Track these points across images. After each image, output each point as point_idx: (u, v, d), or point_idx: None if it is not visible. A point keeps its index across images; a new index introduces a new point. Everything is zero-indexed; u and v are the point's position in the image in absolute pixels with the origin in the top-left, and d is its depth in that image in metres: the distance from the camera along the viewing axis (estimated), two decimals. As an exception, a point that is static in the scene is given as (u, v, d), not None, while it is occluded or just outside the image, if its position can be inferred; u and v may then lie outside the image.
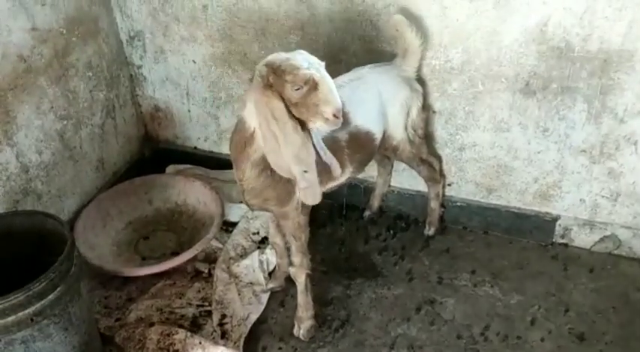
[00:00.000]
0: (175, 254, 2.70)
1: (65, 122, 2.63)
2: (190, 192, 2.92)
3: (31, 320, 1.79)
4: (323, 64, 1.72)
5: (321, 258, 2.65)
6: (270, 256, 2.64)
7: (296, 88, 1.67)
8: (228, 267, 2.61)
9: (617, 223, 2.53)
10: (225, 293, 2.48)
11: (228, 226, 2.83)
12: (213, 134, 3.11)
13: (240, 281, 2.55)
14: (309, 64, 1.68)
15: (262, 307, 2.43)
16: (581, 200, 2.53)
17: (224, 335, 2.32)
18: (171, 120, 3.15)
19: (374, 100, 2.20)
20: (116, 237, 2.77)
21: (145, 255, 2.75)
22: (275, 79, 1.69)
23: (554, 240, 2.67)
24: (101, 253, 2.61)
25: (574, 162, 2.44)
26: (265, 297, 2.47)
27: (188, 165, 3.17)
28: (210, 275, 2.61)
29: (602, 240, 2.59)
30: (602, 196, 2.49)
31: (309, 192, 1.83)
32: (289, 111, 1.71)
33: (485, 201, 2.70)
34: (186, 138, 3.19)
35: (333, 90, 1.68)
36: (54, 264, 1.82)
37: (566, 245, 2.67)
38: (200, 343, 2.22)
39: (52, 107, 2.54)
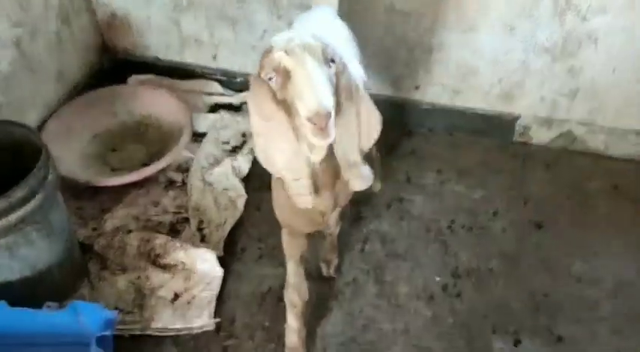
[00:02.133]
0: (146, 165, 2.71)
1: (20, 30, 2.50)
2: (156, 103, 2.87)
3: (14, 225, 1.79)
4: (316, 45, 1.26)
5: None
6: (243, 163, 2.68)
7: (267, 76, 1.28)
8: (202, 176, 2.63)
9: (574, 119, 2.66)
10: (201, 200, 2.52)
11: (197, 136, 2.82)
12: (175, 42, 3.02)
13: (215, 188, 2.58)
14: (288, 42, 1.25)
15: (239, 212, 2.49)
16: (541, 98, 2.63)
17: (203, 239, 2.38)
18: (130, 29, 3.03)
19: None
20: (83, 150, 2.73)
21: (114, 167, 2.73)
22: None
23: (514, 139, 2.79)
24: (69, 166, 2.56)
25: (537, 61, 2.52)
26: (242, 202, 2.52)
27: (151, 76, 3.10)
28: (183, 183, 2.63)
29: (558, 136, 2.73)
30: (562, 94, 2.60)
31: (301, 199, 1.44)
32: (282, 110, 1.30)
33: (451, 104, 2.77)
34: (147, 48, 3.10)
35: (314, 83, 1.19)
36: (31, 172, 1.81)
37: (525, 143, 2.81)
38: (181, 246, 2.28)
39: (7, 14, 2.40)
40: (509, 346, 2.04)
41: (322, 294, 2.19)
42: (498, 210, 2.51)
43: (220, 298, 2.18)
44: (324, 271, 2.23)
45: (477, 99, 2.72)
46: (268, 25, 2.79)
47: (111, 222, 2.44)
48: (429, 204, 2.54)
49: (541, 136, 2.76)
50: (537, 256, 2.33)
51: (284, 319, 2.09)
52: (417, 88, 2.77)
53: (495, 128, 2.78)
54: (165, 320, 2.10)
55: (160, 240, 2.31)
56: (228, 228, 2.42)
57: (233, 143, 2.82)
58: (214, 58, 3.03)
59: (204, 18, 2.87)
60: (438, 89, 2.75)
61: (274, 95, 1.29)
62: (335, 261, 2.23)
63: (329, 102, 1.19)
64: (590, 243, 2.37)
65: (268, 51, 1.29)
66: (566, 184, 2.61)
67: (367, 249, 2.36)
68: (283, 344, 2.04)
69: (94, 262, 2.30)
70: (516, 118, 2.72)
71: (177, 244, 2.29)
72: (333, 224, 2.08)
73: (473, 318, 2.13)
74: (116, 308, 2.12)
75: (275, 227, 2.38)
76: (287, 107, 1.28)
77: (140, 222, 2.45)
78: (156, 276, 2.21)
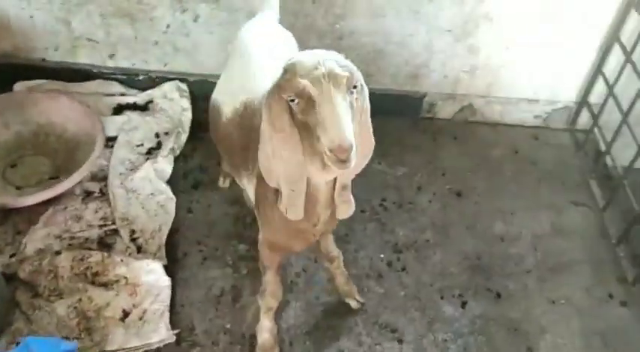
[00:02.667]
0: (55, 178, 2.50)
1: None
2: (54, 109, 2.63)
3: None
4: (342, 76, 1.20)
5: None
6: (164, 165, 2.57)
7: (290, 97, 1.24)
8: (122, 183, 2.48)
9: (473, 94, 2.89)
10: (128, 209, 2.39)
11: (106, 141, 2.64)
12: (65, 42, 2.78)
13: (140, 194, 2.45)
14: (313, 69, 1.19)
15: (171, 216, 2.39)
16: (445, 76, 2.82)
17: (140, 249, 2.27)
18: (9, 29, 2.74)
19: None
20: (-24, 170, 2.45)
21: (18, 184, 2.48)
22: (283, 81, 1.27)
23: (422, 115, 2.97)
24: (-35, 189, 2.31)
25: (440, 42, 2.69)
26: (172, 206, 2.43)
27: (40, 81, 2.83)
28: (102, 194, 2.47)
29: (460, 110, 2.95)
30: (463, 71, 2.80)
31: (291, 209, 1.44)
32: (296, 126, 1.29)
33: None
34: (31, 50, 2.82)
35: (339, 117, 1.17)
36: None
37: (431, 118, 2.99)
38: (122, 260, 2.15)
39: None
40: (458, 308, 2.21)
41: (277, 288, 2.20)
42: (421, 184, 2.66)
43: (173, 308, 2.10)
44: (353, 305, 2.14)
45: (387, 80, 2.85)
46: (171, 19, 2.67)
47: (31, 245, 2.23)
48: (357, 186, 2.59)
49: (445, 111, 2.96)
50: (463, 222, 2.52)
51: (244, 319, 2.09)
52: (329, 74, 2.82)
53: (405, 107, 2.93)
54: (120, 341, 1.98)
55: (96, 257, 2.17)
56: (164, 234, 2.32)
57: (147, 145, 2.69)
58: (111, 57, 2.84)
59: (98, 16, 2.67)
60: (350, 74, 2.82)
61: (291, 114, 1.27)
62: (354, 289, 2.15)
63: (351, 135, 1.18)
64: (505, 205, 2.61)
65: (291, 73, 1.23)
66: (474, 153, 2.83)
67: (310, 237, 2.40)
68: (251, 344, 2.03)
69: (22, 291, 2.09)
70: (423, 96, 2.89)
71: (117, 259, 2.15)
72: (333, 248, 2.04)
73: (421, 288, 2.26)
74: (67, 338, 1.96)
75: (213, 227, 2.37)
76: (305, 126, 1.25)
77: (64, 240, 2.27)
78: (99, 296, 2.07)
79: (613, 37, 2.58)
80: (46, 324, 2.00)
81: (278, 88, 1.26)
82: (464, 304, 2.22)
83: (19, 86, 2.80)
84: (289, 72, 1.23)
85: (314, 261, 2.31)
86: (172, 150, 2.64)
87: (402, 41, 2.69)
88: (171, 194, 2.46)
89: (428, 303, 2.22)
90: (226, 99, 1.76)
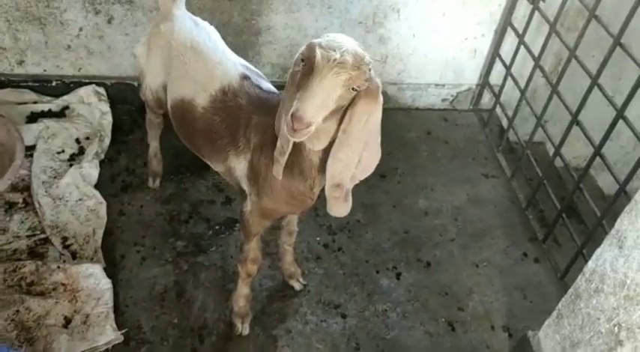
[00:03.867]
0: (-28, 192, 2.38)
1: None
2: (-37, 121, 2.50)
3: None
4: (344, 71, 1.28)
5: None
6: (90, 169, 2.51)
7: (302, 58, 1.34)
8: (46, 191, 2.40)
9: (386, 81, 3.05)
10: (57, 217, 2.32)
11: (25, 150, 2.54)
12: (-29, 50, 2.65)
13: (67, 201, 2.39)
14: (335, 49, 1.29)
15: (104, 220, 2.36)
16: (359, 66, 2.96)
17: (75, 255, 2.22)
18: None
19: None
20: None
21: None
22: None
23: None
24: None
25: (352, 33, 2.82)
26: (103, 210, 2.39)
27: (-56, 92, 2.67)
28: (26, 204, 2.38)
29: (375, 98, 3.10)
30: (375, 60, 2.93)
31: (276, 166, 1.58)
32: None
33: (281, 80, 2.94)
34: None
35: (316, 95, 1.28)
36: None
37: (349, 108, 3.12)
38: (58, 267, 2.10)
39: None
40: (394, 280, 2.35)
41: (218, 280, 2.24)
42: (346, 170, 2.78)
43: (117, 309, 2.08)
44: (297, 286, 2.23)
45: (305, 73, 2.93)
46: (84, 22, 2.62)
47: (-45, 262, 2.11)
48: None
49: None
50: (389, 201, 2.67)
51: (191, 312, 2.11)
52: (248, 70, 2.88)
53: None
54: (65, 347, 1.94)
55: (29, 266, 2.10)
56: (99, 237, 2.29)
57: (69, 151, 2.61)
58: (20, 63, 2.73)
59: (4, 21, 2.56)
60: (268, 69, 2.90)
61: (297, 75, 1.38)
62: (299, 271, 2.25)
63: (314, 117, 1.28)
64: (425, 182, 2.79)
65: (317, 42, 1.32)
66: (391, 137, 2.99)
67: (247, 227, 2.45)
68: (199, 336, 2.05)
69: (-48, 310, 1.98)
70: (340, 86, 3.01)
71: (53, 266, 2.10)
72: (295, 222, 2.10)
73: (357, 265, 2.38)
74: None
75: (148, 227, 2.37)
76: (297, 86, 1.36)
77: (-10, 254, 2.17)
78: (38, 305, 2.01)
79: (506, 21, 2.82)
80: (-17, 340, 1.91)
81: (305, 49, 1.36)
82: (398, 275, 2.36)
83: None
84: (316, 41, 1.33)
85: (253, 250, 2.35)
86: (97, 154, 2.58)
87: (316, 34, 2.79)
88: (100, 198, 2.42)
89: (365, 278, 2.34)
90: (197, 92, 1.83)
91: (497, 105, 3.00)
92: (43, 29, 2.61)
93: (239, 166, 1.78)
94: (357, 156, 1.47)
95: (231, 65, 1.85)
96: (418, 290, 2.32)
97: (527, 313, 2.31)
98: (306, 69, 1.32)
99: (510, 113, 2.84)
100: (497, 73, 3.03)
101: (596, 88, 2.18)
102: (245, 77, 1.81)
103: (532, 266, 2.50)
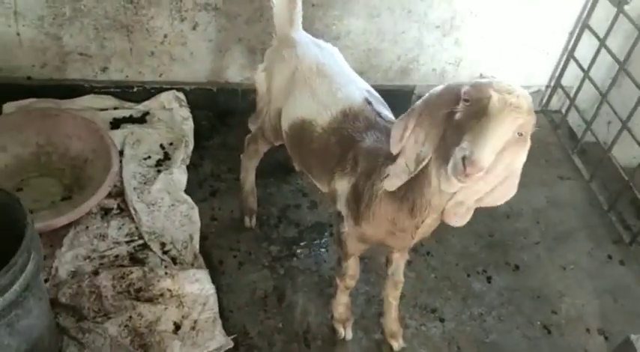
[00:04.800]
0: (67, 198, 2.41)
1: None
2: (53, 128, 2.52)
3: (19, 295, 1.52)
4: (519, 117, 1.26)
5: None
6: (179, 175, 2.53)
7: (466, 98, 1.29)
8: (139, 197, 2.42)
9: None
10: (153, 223, 2.34)
11: (115, 156, 2.56)
12: (54, 58, 2.67)
13: (161, 206, 2.41)
14: (512, 93, 1.26)
15: (198, 225, 2.37)
16: (433, 69, 2.96)
17: (175, 261, 2.24)
18: (-7, 49, 2.59)
19: None
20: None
21: (30, 208, 2.33)
22: None
23: (411, 108, 3.09)
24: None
25: (430, 37, 2.82)
26: (195, 215, 2.40)
27: (31, 99, 2.69)
28: (121, 210, 2.40)
29: (446, 100, 3.09)
30: (449, 63, 2.95)
31: (390, 179, 1.54)
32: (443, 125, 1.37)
33: (356, 84, 2.95)
34: (15, 68, 2.67)
35: (492, 143, 1.24)
36: (24, 235, 1.54)
37: (419, 110, 3.12)
38: (166, 273, 2.12)
39: None
40: (485, 283, 2.35)
41: (315, 284, 2.25)
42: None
43: (222, 314, 2.10)
44: (396, 347, 2.08)
45: (379, 76, 2.94)
46: (169, 29, 2.63)
47: (62, 268, 2.14)
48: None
49: (431, 102, 3.09)
50: (470, 204, 2.66)
51: (294, 317, 2.12)
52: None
53: (395, 100, 3.01)
54: (179, 353, 1.96)
55: (137, 273, 2.12)
56: (197, 243, 2.30)
57: (155, 157, 2.63)
58: (104, 70, 2.75)
59: (92, 29, 2.58)
60: (344, 73, 2.89)
61: (449, 113, 1.33)
62: (401, 331, 2.09)
63: (488, 163, 1.24)
64: (503, 185, 2.78)
65: (486, 83, 1.29)
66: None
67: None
68: (305, 340, 2.07)
69: (65, 316, 2.01)
70: (413, 89, 3.01)
71: (162, 272, 2.12)
72: (401, 272, 2.01)
73: (448, 269, 2.38)
74: (118, 357, 1.91)
75: (241, 233, 2.37)
76: (456, 129, 1.31)
77: (94, 260, 2.20)
78: (149, 312, 2.03)
79: (584, 23, 2.80)
80: (100, 346, 1.94)
81: (462, 87, 1.32)
82: (489, 279, 2.37)
83: (9, 107, 2.65)
84: (484, 82, 1.30)
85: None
86: (183, 160, 2.60)
87: (394, 38, 2.79)
88: (192, 203, 2.44)
89: (458, 282, 2.34)
90: (318, 113, 1.84)
91: (573, 107, 2.97)
92: (129, 36, 2.62)
93: (341, 188, 1.76)
94: (490, 188, 1.42)
95: (355, 88, 1.86)
96: (510, 294, 2.32)
97: (620, 316, 2.30)
98: (475, 110, 1.27)
99: (584, 115, 2.83)
100: (568, 75, 3.01)
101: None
102: (368, 102, 1.81)
103: (618, 268, 2.49)
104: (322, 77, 1.91)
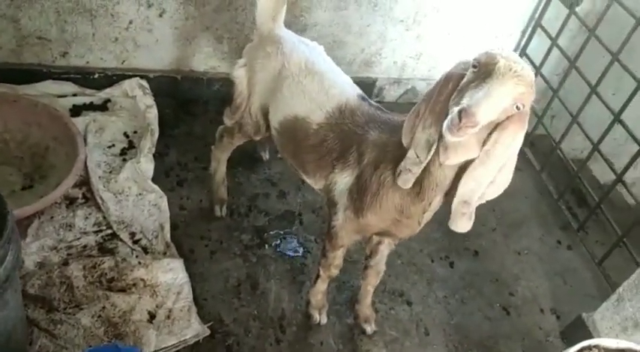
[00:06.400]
0: (29, 188, 2.31)
1: None
2: (11, 114, 2.39)
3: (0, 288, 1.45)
4: (525, 88, 1.32)
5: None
6: (146, 163, 2.47)
7: (475, 63, 1.35)
8: (104, 186, 2.35)
9: (417, 77, 3.12)
10: (122, 212, 2.28)
11: (76, 144, 2.46)
12: (10, 42, 2.53)
13: (128, 195, 2.35)
14: (518, 63, 1.32)
15: (167, 214, 2.33)
16: (394, 62, 3.01)
17: (146, 250, 2.19)
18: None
19: None
20: None
21: (-12, 198, 2.24)
22: None
23: (372, 100, 3.13)
24: None
25: (393, 31, 2.87)
26: (164, 204, 2.35)
27: (-16, 85, 2.54)
28: (87, 199, 2.32)
29: (405, 92, 3.17)
30: (410, 57, 3.01)
31: (403, 176, 1.56)
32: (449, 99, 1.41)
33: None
34: (-32, 52, 2.52)
35: (492, 102, 1.30)
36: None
37: (379, 102, 3.16)
38: (140, 263, 2.07)
39: None
40: (448, 268, 2.44)
41: (288, 271, 2.26)
42: (387, 163, 2.84)
43: (196, 303, 2.07)
44: (369, 330, 2.12)
45: (342, 69, 2.93)
46: (135, 15, 2.55)
47: (29, 259, 2.06)
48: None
49: (391, 94, 3.16)
50: (430, 193, 2.75)
51: (268, 303, 2.13)
52: (290, 64, 2.87)
53: (358, 93, 3.07)
54: (155, 342, 1.92)
55: (109, 263, 2.06)
56: (168, 232, 2.26)
57: (119, 145, 2.56)
58: (64, 55, 2.63)
59: (53, 12, 2.46)
60: (309, 64, 2.90)
61: (459, 81, 1.37)
62: (374, 316, 2.14)
63: (483, 117, 1.29)
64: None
65: (495, 52, 1.33)
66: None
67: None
68: (281, 326, 2.08)
69: (34, 307, 1.93)
70: (374, 81, 3.06)
71: (134, 262, 2.07)
72: (384, 262, 2.04)
73: (413, 255, 2.45)
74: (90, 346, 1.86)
75: (211, 222, 2.35)
76: (459, 91, 1.36)
77: (61, 251, 2.13)
78: (122, 301, 1.98)
79: (536, 22, 2.93)
80: (73, 337, 1.88)
81: (469, 61, 1.36)
82: (451, 264, 2.45)
83: (-39, 92, 2.50)
84: (493, 51, 1.34)
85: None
86: (149, 149, 2.53)
87: (359, 31, 2.82)
88: (160, 192, 2.38)
89: (422, 267, 2.42)
90: (312, 110, 1.84)
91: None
92: (93, 21, 2.53)
93: (342, 180, 1.78)
94: (492, 177, 1.45)
95: (347, 85, 1.89)
96: (471, 278, 2.42)
97: (570, 296, 2.45)
98: (481, 74, 1.32)
99: (535, 110, 2.96)
100: (520, 71, 3.14)
101: None
102: (362, 97, 1.84)
103: (566, 253, 2.64)
104: (312, 74, 1.91)
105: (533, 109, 2.95)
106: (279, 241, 2.36)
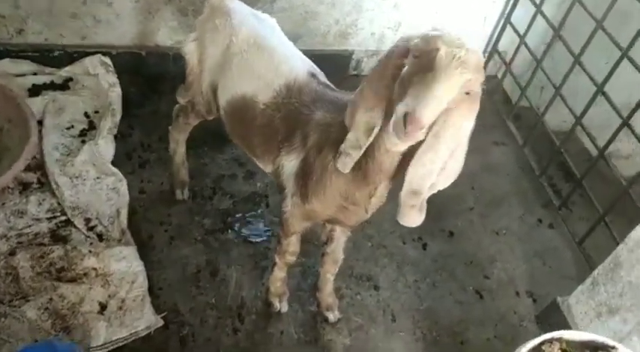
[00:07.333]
0: (-19, 172, 2.17)
1: None
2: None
3: None
4: (465, 74, 1.14)
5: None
6: (105, 145, 2.32)
7: (415, 53, 1.18)
8: (61, 170, 2.21)
9: (396, 49, 2.91)
10: (78, 197, 2.15)
11: (33, 126, 2.32)
12: (-39, 19, 2.37)
13: (85, 180, 2.21)
14: (461, 47, 1.14)
15: (126, 198, 2.19)
16: (372, 34, 2.81)
17: (101, 237, 2.06)
18: None
19: None
20: None
21: (-62, 183, 2.11)
22: None
23: (349, 73, 2.95)
24: None
25: (369, 1, 2.66)
26: (124, 187, 2.21)
27: None
28: (42, 184, 2.19)
29: (384, 65, 2.96)
30: (388, 27, 2.80)
31: (342, 159, 1.42)
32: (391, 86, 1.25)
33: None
34: None
35: (436, 97, 1.13)
36: None
37: (357, 75, 2.98)
38: (90, 251, 1.94)
39: None
40: (421, 251, 2.29)
41: (250, 257, 2.12)
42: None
43: (152, 292, 1.95)
44: (331, 318, 1.98)
45: (317, 41, 2.77)
46: (93, -13, 2.36)
47: (-25, 248, 1.93)
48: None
49: (370, 67, 2.95)
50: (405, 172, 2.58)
51: (228, 291, 2.01)
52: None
53: (333, 66, 2.85)
54: (105, 335, 1.81)
55: (58, 252, 1.94)
56: (125, 218, 2.13)
57: (79, 126, 2.41)
58: (20, 32, 2.46)
59: (6, -14, 2.29)
60: (280, 37, 2.71)
61: (394, 77, 1.21)
62: (336, 303, 2.01)
63: (431, 119, 1.14)
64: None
65: (436, 36, 1.16)
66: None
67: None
68: (239, 315, 1.96)
69: (-22, 300, 1.82)
70: (351, 54, 2.86)
71: (84, 251, 1.94)
72: (341, 250, 1.91)
73: (384, 237, 2.30)
74: (36, 341, 1.75)
75: (172, 205, 2.21)
76: (402, 85, 1.19)
77: (11, 239, 2.01)
78: (71, 292, 1.86)
79: (520, -11, 2.70)
80: (18, 330, 1.77)
81: (410, 42, 1.20)
82: (424, 246, 2.31)
83: None
84: (434, 35, 1.17)
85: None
86: (110, 129, 2.38)
87: (332, 1, 2.62)
88: (120, 175, 2.25)
89: (393, 249, 2.27)
90: (260, 89, 1.68)
91: (508, 73, 2.89)
92: (48, -4, 2.35)
93: (288, 164, 1.63)
94: (442, 163, 1.29)
95: (298, 61, 1.71)
96: (444, 260, 2.27)
97: (548, 278, 2.30)
98: (422, 64, 1.15)
99: (520, 80, 2.76)
100: (505, 40, 2.93)
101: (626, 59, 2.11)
102: (312, 74, 1.67)
103: (547, 231, 2.48)
104: (262, 50, 1.74)
105: (517, 81, 2.77)
106: (243, 225, 2.22)
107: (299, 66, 1.70)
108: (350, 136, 1.37)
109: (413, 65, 1.18)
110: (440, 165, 1.31)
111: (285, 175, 1.66)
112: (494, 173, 2.67)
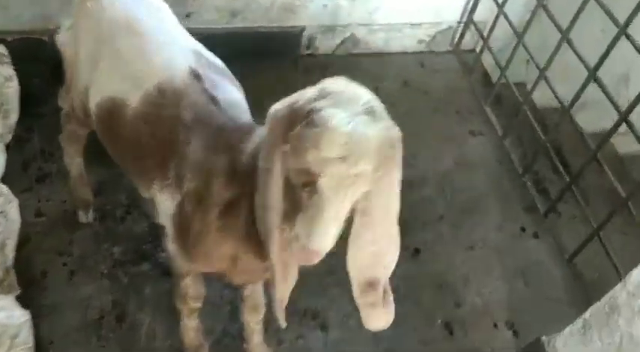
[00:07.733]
0: None
1: None
2: None
3: None
4: (393, 140, 0.98)
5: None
6: (-6, 157, 1.89)
7: (299, 169, 0.90)
8: None
9: (355, 23, 2.46)
10: (-49, 226, 1.72)
11: None
12: None
13: (-35, 202, 1.78)
14: (350, 151, 0.86)
15: (16, 224, 1.78)
16: (323, 6, 2.36)
17: (-20, 278, 1.65)
18: None
19: None
20: None
21: None
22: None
23: (301, 53, 2.50)
24: None
25: (318, -33, 2.19)
26: (15, 210, 1.80)
27: None
28: None
29: (342, 42, 2.52)
30: (344, -1, 2.34)
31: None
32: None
33: (230, 26, 2.31)
34: None
35: (331, 221, 0.90)
36: None
37: (312, 55, 2.53)
38: (-43, 302, 1.54)
39: None
40: (379, 275, 1.90)
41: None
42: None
43: (41, 348, 1.56)
44: None
45: (258, 17, 2.31)
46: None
47: None
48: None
49: (325, 45, 2.51)
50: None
51: (137, 339, 1.63)
52: (187, 15, 2.22)
53: (281, 45, 2.43)
54: (-26, 411, 1.43)
55: None
56: (11, 251, 1.72)
57: (-36, 139, 1.97)
58: None
59: None
60: (213, 14, 2.25)
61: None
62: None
63: (329, 245, 0.92)
64: (406, 146, 2.28)
65: (305, 148, 0.86)
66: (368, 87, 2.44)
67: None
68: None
69: None
70: (302, 30, 2.41)
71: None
72: (261, 294, 1.54)
73: (335, 260, 1.89)
74: None
75: (76, 230, 1.81)
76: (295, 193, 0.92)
77: None
78: None
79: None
80: None
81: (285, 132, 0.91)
82: (384, 269, 1.91)
83: None
84: (305, 147, 0.87)
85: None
86: (1, 136, 1.95)
87: (271, -30, 2.14)
88: (10, 195, 1.82)
89: (346, 276, 1.86)
90: (129, 88, 1.25)
91: (486, 47, 2.44)
92: None
93: (163, 203, 1.23)
94: (388, 235, 1.04)
95: (178, 53, 1.27)
96: (408, 286, 1.89)
97: (531, 303, 1.93)
98: (309, 180, 0.88)
99: (500, 56, 2.32)
100: (482, 9, 2.46)
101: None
102: (195, 75, 1.21)
103: (530, 242, 2.10)
104: (133, 36, 1.32)
105: (496, 58, 2.32)
106: (161, 252, 1.81)
107: (178, 60, 1.25)
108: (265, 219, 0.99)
109: (297, 179, 0.91)
110: (386, 240, 1.07)
111: (162, 213, 1.25)
112: (469, 170, 2.26)
